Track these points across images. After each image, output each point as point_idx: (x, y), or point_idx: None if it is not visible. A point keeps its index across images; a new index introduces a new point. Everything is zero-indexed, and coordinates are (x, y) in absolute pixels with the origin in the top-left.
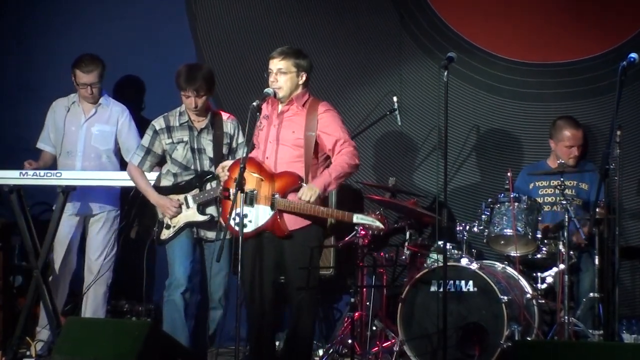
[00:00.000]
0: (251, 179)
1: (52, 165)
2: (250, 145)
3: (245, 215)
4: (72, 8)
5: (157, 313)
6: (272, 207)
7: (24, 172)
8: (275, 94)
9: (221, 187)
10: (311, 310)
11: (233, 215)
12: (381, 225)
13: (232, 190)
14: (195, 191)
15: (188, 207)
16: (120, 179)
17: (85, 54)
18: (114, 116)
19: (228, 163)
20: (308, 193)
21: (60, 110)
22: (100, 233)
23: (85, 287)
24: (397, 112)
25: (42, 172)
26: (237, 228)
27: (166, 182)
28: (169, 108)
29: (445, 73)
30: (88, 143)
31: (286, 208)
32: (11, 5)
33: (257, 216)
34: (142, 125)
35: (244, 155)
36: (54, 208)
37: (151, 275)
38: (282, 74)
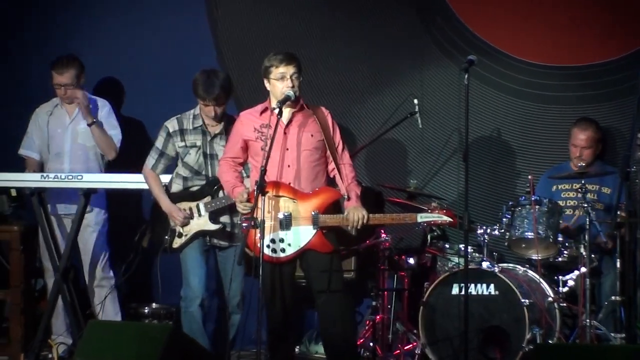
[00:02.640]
0: (283, 203)
1: (38, 171)
2: (270, 150)
3: (282, 240)
4: (96, 13)
5: (178, 316)
6: (315, 225)
7: (45, 174)
8: (294, 97)
9: (242, 218)
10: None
11: (267, 241)
12: (449, 219)
13: (258, 217)
14: (207, 199)
15: (200, 215)
16: (144, 182)
17: (63, 55)
18: (94, 111)
19: (244, 195)
20: (357, 216)
21: (43, 116)
22: (92, 237)
23: (90, 291)
24: (417, 114)
25: (63, 175)
26: (272, 254)
27: (175, 185)
28: (186, 108)
29: (466, 76)
30: (74, 142)
31: (330, 223)
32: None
33: (298, 237)
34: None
35: (264, 159)
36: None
37: (165, 283)
38: (296, 78)
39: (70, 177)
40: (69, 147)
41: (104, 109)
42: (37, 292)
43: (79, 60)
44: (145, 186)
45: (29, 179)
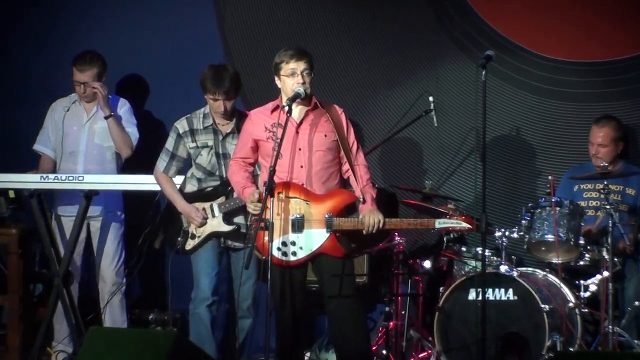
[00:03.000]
0: (295, 205)
1: (52, 170)
2: (280, 148)
3: (293, 243)
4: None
5: (183, 322)
6: (328, 228)
7: (44, 175)
8: (306, 94)
9: (252, 219)
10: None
11: (277, 244)
12: (468, 226)
13: (268, 218)
14: (221, 199)
15: (214, 216)
16: (147, 183)
17: (87, 51)
18: (113, 108)
19: (255, 195)
20: (372, 220)
21: (59, 111)
22: (108, 239)
23: (101, 297)
24: (433, 112)
25: (63, 176)
26: (283, 258)
27: (190, 186)
28: (195, 107)
29: (484, 72)
30: (91, 141)
31: (345, 227)
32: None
33: (310, 241)
34: (145, 121)
35: (273, 159)
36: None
37: (176, 286)
38: (307, 75)
39: (70, 178)
40: (84, 146)
41: (124, 107)
42: (36, 298)
43: (102, 58)
44: (150, 188)
45: (28, 180)
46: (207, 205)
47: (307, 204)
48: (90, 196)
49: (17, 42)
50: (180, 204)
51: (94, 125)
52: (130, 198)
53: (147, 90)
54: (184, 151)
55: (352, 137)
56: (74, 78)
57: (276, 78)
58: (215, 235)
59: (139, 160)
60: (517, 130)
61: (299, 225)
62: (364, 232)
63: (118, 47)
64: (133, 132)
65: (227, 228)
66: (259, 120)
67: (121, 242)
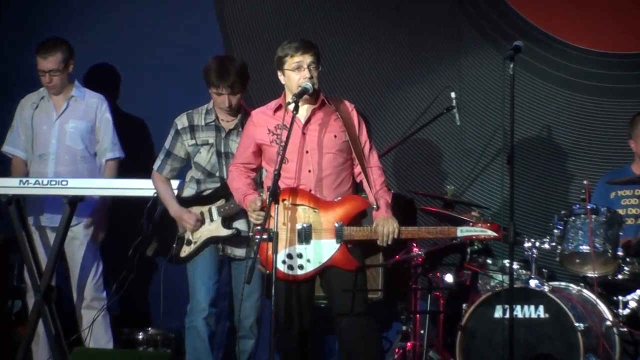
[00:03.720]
0: (302, 213)
1: (25, 173)
2: (284, 151)
3: (300, 255)
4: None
5: (177, 342)
6: (338, 238)
7: (24, 180)
8: (313, 90)
9: (255, 229)
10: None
11: (282, 256)
12: (494, 234)
13: (272, 228)
14: (221, 202)
15: (212, 220)
16: (137, 188)
17: (49, 37)
18: (90, 109)
19: (257, 202)
20: (387, 229)
21: (27, 108)
22: (81, 250)
23: (78, 314)
24: (455, 110)
25: (45, 181)
26: (288, 272)
27: (189, 190)
28: (194, 106)
29: (511, 65)
30: (62, 143)
31: (357, 237)
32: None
33: (319, 252)
34: (120, 119)
35: (278, 163)
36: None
37: (170, 301)
38: (314, 69)
39: (53, 182)
40: (54, 147)
41: (102, 107)
42: (15, 316)
43: (68, 43)
44: (142, 193)
45: (6, 185)
46: (205, 208)
47: (315, 211)
48: (75, 202)
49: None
50: (172, 207)
51: (65, 124)
52: (120, 205)
53: (141, 88)
54: (182, 150)
55: (364, 136)
56: (38, 67)
57: (279, 73)
58: (213, 241)
59: (130, 163)
60: (549, 130)
61: (306, 235)
62: (378, 242)
63: (109, 42)
64: (114, 154)
65: (225, 232)
66: (261, 121)
67: (98, 252)
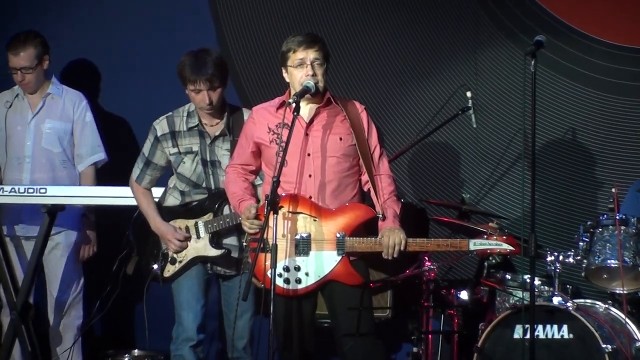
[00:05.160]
0: (301, 222)
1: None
2: (285, 154)
3: (298, 268)
4: None
5: None
6: (340, 250)
7: None
8: (316, 89)
9: (249, 239)
10: None
11: (278, 269)
12: (510, 248)
13: (269, 240)
14: (208, 216)
15: (199, 237)
16: (123, 196)
17: (20, 32)
18: (68, 108)
19: (252, 210)
20: (392, 240)
21: (1, 108)
22: (61, 262)
23: (52, 334)
24: (471, 111)
25: (21, 188)
26: (285, 286)
27: (172, 199)
28: (178, 102)
29: (533, 62)
30: (38, 145)
31: (359, 248)
32: None
33: (319, 265)
34: (104, 119)
35: (277, 165)
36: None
37: (156, 317)
38: (319, 65)
39: (30, 190)
40: (30, 150)
41: (80, 105)
42: None
43: (42, 37)
44: (128, 202)
45: None
46: (190, 223)
47: (316, 220)
48: (54, 212)
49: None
50: (154, 221)
51: (41, 124)
52: (102, 214)
53: (124, 85)
54: (162, 158)
55: (374, 141)
56: (9, 65)
57: (283, 70)
58: (200, 260)
59: (113, 168)
60: (573, 132)
61: (305, 246)
62: (383, 254)
63: (89, 35)
64: (97, 157)
65: (214, 252)
66: (261, 118)
67: (81, 266)
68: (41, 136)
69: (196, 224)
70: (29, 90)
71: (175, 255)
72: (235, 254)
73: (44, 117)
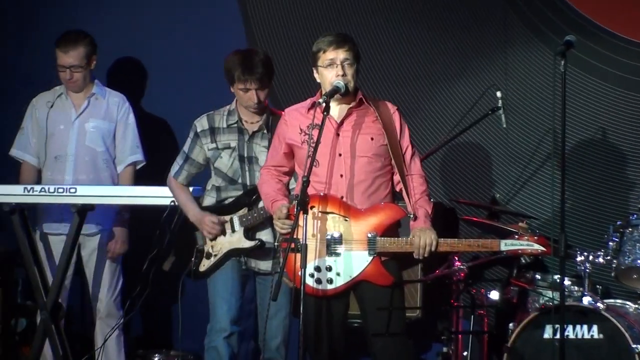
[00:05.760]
0: (332, 222)
1: (36, 180)
2: (314, 154)
3: (329, 268)
4: None
5: None
6: (371, 250)
7: (29, 187)
8: (346, 89)
9: (281, 240)
10: None
11: (310, 269)
12: (541, 248)
13: (300, 239)
14: (243, 211)
15: (234, 230)
16: (154, 196)
17: (70, 30)
18: (111, 108)
19: (283, 210)
20: (423, 241)
21: (42, 108)
22: (103, 262)
23: (98, 333)
24: (501, 111)
25: (51, 188)
26: (317, 286)
27: (209, 199)
28: (214, 103)
29: (563, 62)
30: (81, 143)
31: (391, 249)
32: None
33: (349, 265)
34: (143, 120)
35: (307, 166)
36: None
37: (189, 320)
38: (349, 65)
39: (60, 190)
40: (73, 149)
41: (123, 107)
42: (19, 335)
43: (91, 37)
44: (159, 202)
45: (9, 193)
46: (226, 218)
47: (347, 220)
48: (84, 212)
49: None
50: (193, 211)
51: (85, 123)
52: (133, 214)
53: (163, 87)
54: (200, 154)
55: (406, 141)
56: (58, 62)
57: (314, 70)
58: (234, 254)
59: (152, 169)
60: (603, 132)
61: (335, 246)
62: (414, 255)
63: (130, 36)
64: (135, 157)
65: (248, 244)
66: (293, 120)
67: (120, 266)
68: (85, 135)
69: (231, 219)
70: (75, 89)
71: (210, 250)
72: (268, 246)
73: (88, 116)
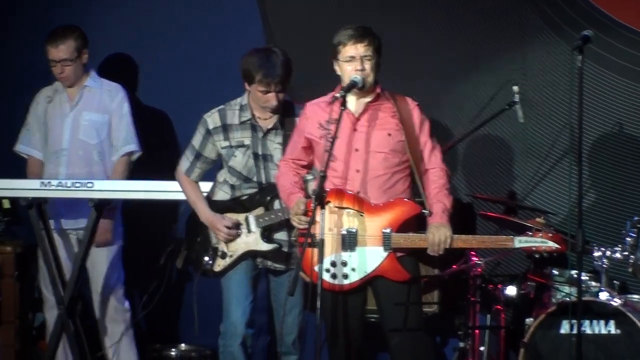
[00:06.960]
0: (347, 217)
1: (42, 175)
2: (331, 149)
3: (344, 263)
4: None
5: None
6: (386, 246)
7: (46, 181)
8: (363, 84)
9: (297, 234)
10: None
11: (326, 264)
12: (555, 246)
13: (317, 235)
14: (259, 210)
15: (250, 231)
16: (171, 191)
17: (60, 25)
18: (105, 99)
19: (301, 205)
20: (438, 237)
21: (42, 103)
22: (105, 259)
23: (101, 327)
24: (518, 106)
25: (69, 183)
26: (332, 281)
27: (222, 194)
28: (222, 98)
29: (580, 57)
30: (75, 137)
31: (405, 244)
32: None
33: (364, 261)
34: (140, 112)
35: (324, 161)
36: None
37: (204, 313)
38: (368, 60)
39: (78, 184)
40: (67, 142)
41: (117, 96)
42: (36, 330)
43: (81, 30)
44: (176, 197)
45: (26, 187)
46: (241, 217)
47: (362, 216)
48: (102, 206)
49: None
50: (204, 212)
51: (79, 117)
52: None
53: (165, 78)
54: (213, 151)
55: (425, 136)
56: (48, 57)
57: (334, 63)
58: (251, 255)
59: (151, 161)
60: (621, 127)
61: (351, 241)
62: (428, 251)
63: (133, 28)
64: (129, 147)
65: (266, 247)
66: (313, 114)
67: (119, 261)
68: (78, 128)
69: (247, 218)
70: (68, 83)
71: (225, 250)
72: (285, 249)
73: (82, 109)
